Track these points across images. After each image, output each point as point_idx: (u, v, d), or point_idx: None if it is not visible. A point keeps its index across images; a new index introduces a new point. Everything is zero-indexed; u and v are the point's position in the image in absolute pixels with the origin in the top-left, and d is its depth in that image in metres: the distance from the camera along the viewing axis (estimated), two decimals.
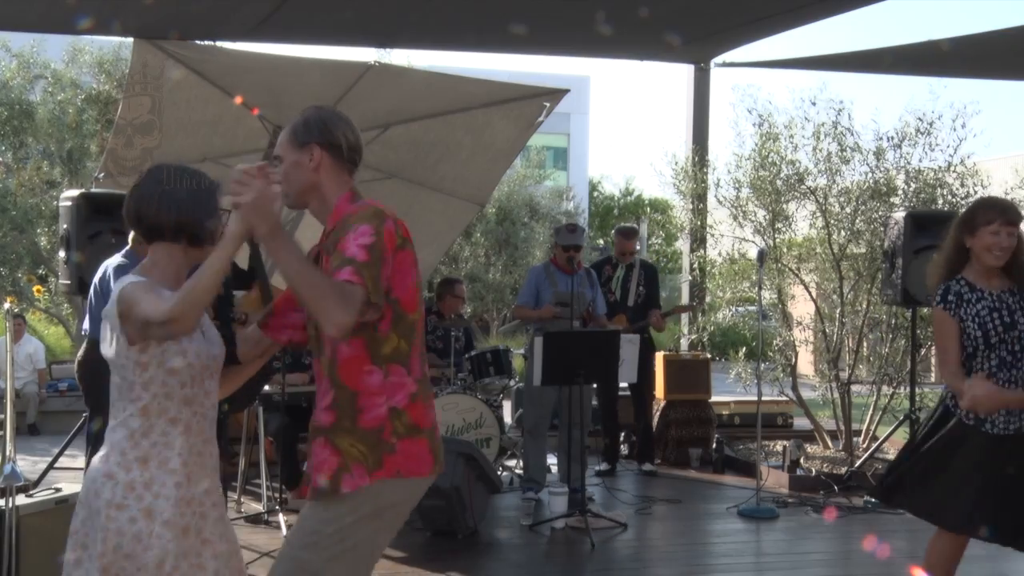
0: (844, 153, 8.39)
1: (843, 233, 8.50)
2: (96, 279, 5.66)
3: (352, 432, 2.62)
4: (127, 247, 5.75)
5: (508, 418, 8.71)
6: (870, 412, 8.63)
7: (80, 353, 5.92)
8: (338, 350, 2.64)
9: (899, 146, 8.36)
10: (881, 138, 8.38)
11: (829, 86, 9.81)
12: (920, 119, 8.32)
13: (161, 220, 2.63)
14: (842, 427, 8.60)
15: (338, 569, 2.60)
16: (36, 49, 13.87)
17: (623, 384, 7.92)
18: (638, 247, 8.61)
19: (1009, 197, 8.34)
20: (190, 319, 2.45)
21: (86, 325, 5.83)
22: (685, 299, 10.14)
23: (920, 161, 8.42)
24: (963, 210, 4.16)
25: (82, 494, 2.63)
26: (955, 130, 8.24)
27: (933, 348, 8.48)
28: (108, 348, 2.62)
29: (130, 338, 2.54)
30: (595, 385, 8.13)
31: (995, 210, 3.81)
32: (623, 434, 8.72)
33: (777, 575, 5.72)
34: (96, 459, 2.61)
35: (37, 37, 13.72)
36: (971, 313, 3.77)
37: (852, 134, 8.37)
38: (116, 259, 5.64)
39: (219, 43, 7.56)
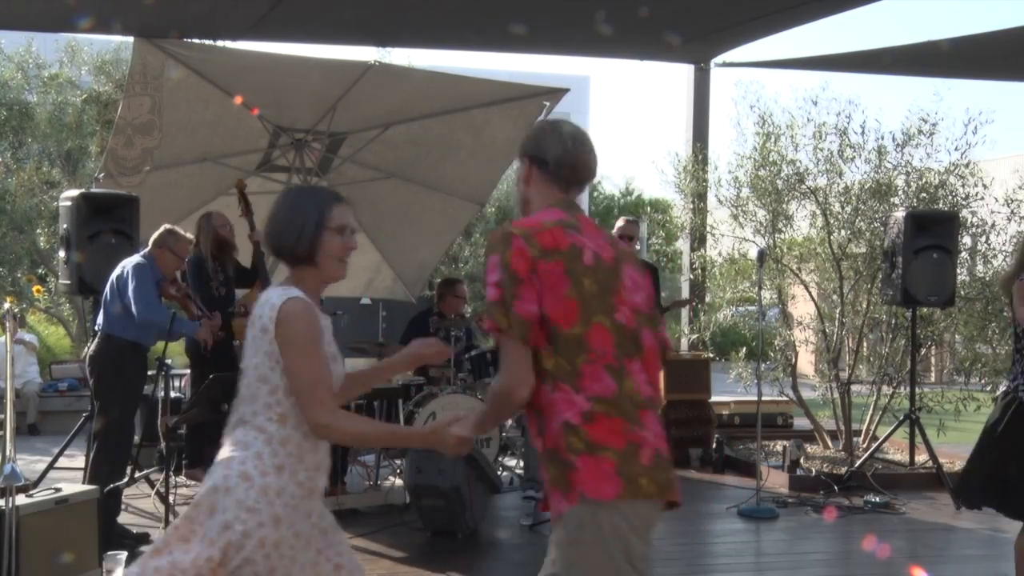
0: (846, 152, 8.37)
1: (843, 233, 8.49)
2: (113, 276, 5.77)
3: (543, 453, 2.57)
4: (146, 249, 5.89)
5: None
6: (870, 412, 8.62)
7: (91, 348, 5.90)
8: None
9: (904, 146, 8.34)
10: (883, 137, 8.37)
11: (831, 85, 9.68)
12: (924, 119, 8.31)
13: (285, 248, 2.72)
14: (842, 427, 8.58)
15: None
16: (35, 49, 13.85)
17: None
18: (638, 247, 8.56)
19: (1010, 198, 8.36)
20: (331, 438, 2.66)
21: (100, 321, 5.83)
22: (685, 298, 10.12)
23: (922, 161, 8.41)
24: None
25: (212, 482, 2.58)
26: (966, 134, 8.21)
27: (933, 348, 8.50)
28: (250, 349, 2.65)
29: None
30: None
31: None
32: None
33: (777, 575, 5.71)
34: (227, 452, 2.61)
35: (31, 37, 13.71)
36: None
37: (863, 132, 8.33)
38: (135, 258, 5.79)
39: (219, 42, 7.56)
